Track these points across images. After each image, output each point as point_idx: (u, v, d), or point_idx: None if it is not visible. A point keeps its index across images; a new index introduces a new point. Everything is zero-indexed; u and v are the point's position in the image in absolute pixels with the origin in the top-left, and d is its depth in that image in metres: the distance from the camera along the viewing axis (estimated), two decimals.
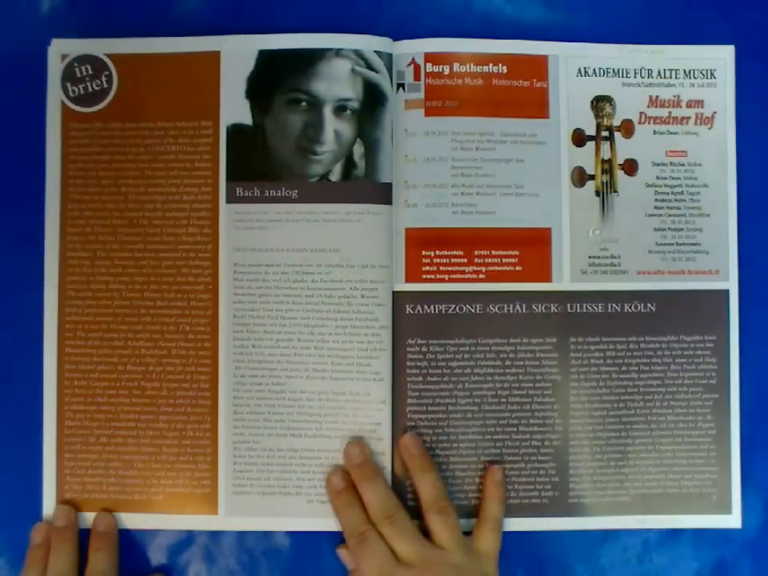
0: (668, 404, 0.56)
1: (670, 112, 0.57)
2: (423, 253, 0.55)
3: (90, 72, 0.56)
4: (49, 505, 0.55)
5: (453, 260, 0.55)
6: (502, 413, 0.55)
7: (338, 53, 0.55)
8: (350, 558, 0.53)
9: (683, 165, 0.57)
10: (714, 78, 0.57)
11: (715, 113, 0.57)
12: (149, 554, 0.55)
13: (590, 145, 0.56)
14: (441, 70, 0.56)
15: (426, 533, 0.52)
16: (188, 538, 0.55)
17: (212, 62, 0.56)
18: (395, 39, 0.56)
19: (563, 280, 0.56)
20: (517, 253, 0.56)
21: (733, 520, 0.56)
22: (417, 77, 0.56)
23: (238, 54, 0.56)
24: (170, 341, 0.55)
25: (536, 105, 0.56)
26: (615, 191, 0.56)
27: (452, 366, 0.55)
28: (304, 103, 0.55)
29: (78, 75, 0.56)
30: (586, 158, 0.56)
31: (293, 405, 0.55)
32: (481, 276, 0.56)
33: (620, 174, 0.56)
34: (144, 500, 0.55)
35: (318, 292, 0.55)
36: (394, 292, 0.55)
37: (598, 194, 0.56)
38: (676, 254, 0.56)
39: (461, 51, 0.56)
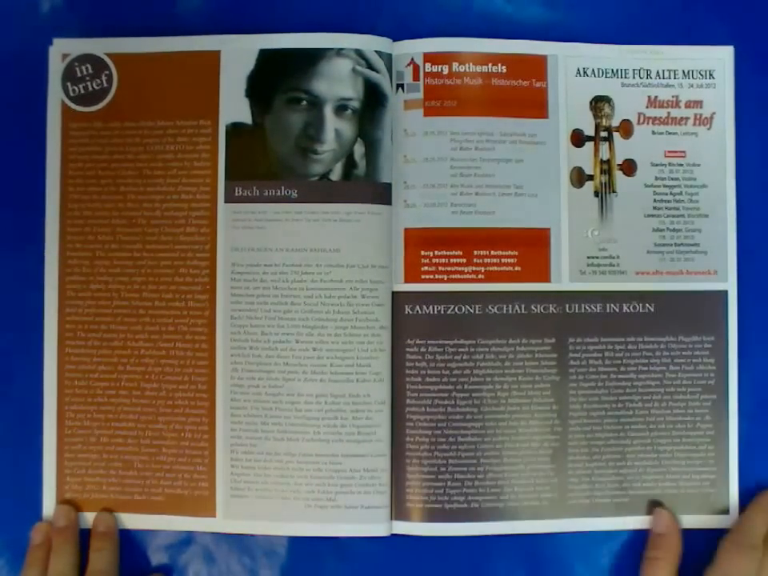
0: (666, 404, 0.56)
1: (668, 112, 0.57)
2: (422, 253, 0.55)
3: (91, 71, 0.56)
4: (49, 505, 0.55)
5: (452, 260, 0.55)
6: (501, 414, 0.55)
7: (338, 52, 0.55)
8: None
9: (682, 165, 0.56)
10: (713, 78, 0.57)
11: (714, 113, 0.57)
12: (149, 554, 0.56)
13: (589, 145, 0.56)
14: (440, 70, 0.56)
15: None
16: (188, 538, 0.56)
17: (212, 61, 0.56)
18: (395, 39, 0.56)
19: (562, 280, 0.56)
20: (516, 253, 0.56)
21: (731, 520, 0.56)
22: (416, 77, 0.56)
23: (238, 53, 0.56)
24: (169, 341, 0.55)
25: (535, 105, 0.56)
26: (614, 192, 0.56)
27: (451, 367, 0.55)
28: (304, 102, 0.55)
29: (79, 75, 0.56)
30: (585, 158, 0.56)
31: (290, 408, 0.55)
32: (480, 276, 0.56)
33: (619, 175, 0.56)
34: (144, 501, 0.55)
35: (317, 292, 0.55)
36: (393, 292, 0.55)
37: (596, 194, 0.56)
38: (675, 254, 0.56)
39: (460, 51, 0.56)
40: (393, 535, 0.55)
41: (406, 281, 0.55)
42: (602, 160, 0.56)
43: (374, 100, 0.56)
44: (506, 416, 0.55)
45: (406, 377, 0.55)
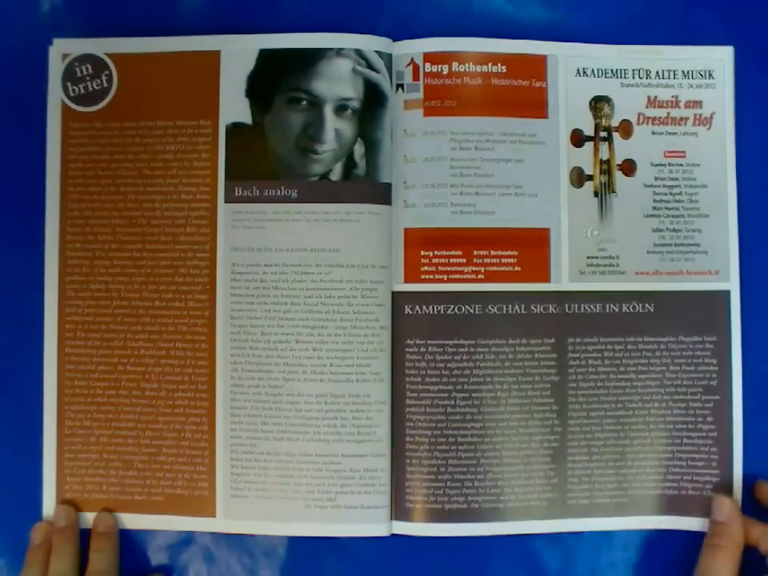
0: (666, 405, 0.56)
1: (668, 113, 0.57)
2: (422, 253, 0.55)
3: (91, 71, 0.56)
4: (49, 505, 0.55)
5: (452, 260, 0.55)
6: (501, 414, 0.55)
7: (338, 52, 0.55)
8: None
9: (682, 165, 0.56)
10: (713, 78, 0.57)
11: (714, 113, 0.57)
12: (149, 554, 0.56)
13: (589, 145, 0.56)
14: (440, 70, 0.56)
15: None
16: (188, 539, 0.56)
17: (212, 61, 0.56)
18: (395, 39, 0.56)
19: (561, 280, 0.56)
20: (516, 253, 0.56)
21: None
22: (416, 77, 0.56)
23: (238, 53, 0.56)
24: (168, 341, 0.55)
25: (535, 105, 0.56)
26: (614, 192, 0.56)
27: (451, 367, 0.55)
28: (304, 102, 0.55)
29: (79, 75, 0.56)
30: (585, 158, 0.56)
31: (290, 408, 0.55)
32: (480, 276, 0.55)
33: (618, 175, 0.56)
34: (144, 501, 0.55)
35: (317, 292, 0.55)
36: (393, 292, 0.55)
37: (596, 194, 0.56)
38: (675, 254, 0.56)
39: (460, 51, 0.56)
40: (393, 535, 0.55)
41: (406, 281, 0.55)
42: (601, 160, 0.56)
43: (373, 100, 0.55)
44: (505, 416, 0.55)
45: (405, 377, 0.55)
